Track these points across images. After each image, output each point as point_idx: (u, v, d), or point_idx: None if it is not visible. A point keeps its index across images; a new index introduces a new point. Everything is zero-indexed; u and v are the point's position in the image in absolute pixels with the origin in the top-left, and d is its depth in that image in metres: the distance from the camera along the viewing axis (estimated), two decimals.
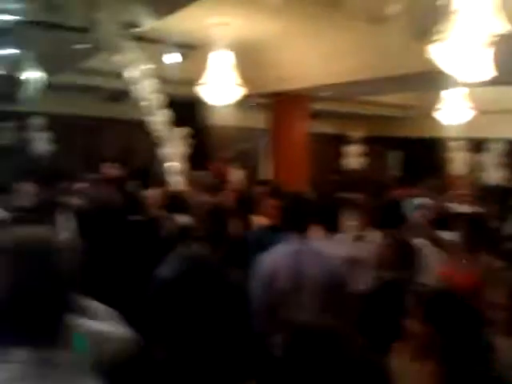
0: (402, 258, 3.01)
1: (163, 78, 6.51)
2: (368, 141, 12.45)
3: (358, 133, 12.34)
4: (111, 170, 6.38)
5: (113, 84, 8.77)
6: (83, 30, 5.38)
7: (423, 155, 12.36)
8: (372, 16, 5.81)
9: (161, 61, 7.12)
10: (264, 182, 5.97)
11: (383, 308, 2.74)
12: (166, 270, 2.57)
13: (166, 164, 5.90)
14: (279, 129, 9.43)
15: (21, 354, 1.16)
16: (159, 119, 5.85)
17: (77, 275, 1.23)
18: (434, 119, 9.90)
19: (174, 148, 6.05)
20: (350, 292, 3.01)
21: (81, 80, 8.86)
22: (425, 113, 10.63)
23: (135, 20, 5.41)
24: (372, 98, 11.13)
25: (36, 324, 1.16)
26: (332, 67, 7.71)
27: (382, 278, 3.15)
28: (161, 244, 3.90)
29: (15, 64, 4.94)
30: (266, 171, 10.61)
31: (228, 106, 7.62)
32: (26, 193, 4.36)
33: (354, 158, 12.15)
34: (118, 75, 6.27)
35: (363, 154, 12.27)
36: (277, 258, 2.92)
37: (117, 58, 5.72)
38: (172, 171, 5.77)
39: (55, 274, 1.17)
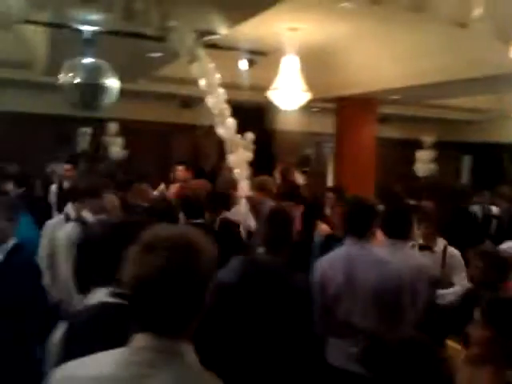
0: (497, 272, 2.94)
1: (233, 84, 6.66)
2: (440, 146, 12.08)
3: (429, 137, 11.98)
4: (181, 173, 6.59)
5: (184, 91, 9.10)
6: (159, 39, 5.59)
7: (498, 160, 11.82)
8: (452, 18, 5.64)
9: (231, 67, 7.27)
10: (334, 189, 5.97)
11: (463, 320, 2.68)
12: (229, 274, 2.63)
13: (234, 169, 6.02)
14: (345, 133, 9.35)
15: (145, 340, 1.23)
16: (228, 126, 5.97)
17: (212, 278, 1.29)
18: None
19: (240, 153, 6.16)
20: (413, 301, 2.95)
21: (154, 87, 9.25)
22: (504, 116, 10.17)
23: (210, 28, 5.56)
24: (445, 102, 10.80)
25: (166, 314, 1.22)
26: (403, 70, 7.56)
27: (470, 290, 3.10)
28: (222, 247, 3.97)
29: (95, 72, 5.22)
30: (333, 177, 10.55)
31: (295, 110, 7.66)
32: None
33: (424, 163, 11.78)
34: (190, 82, 6.47)
35: (434, 160, 11.88)
36: (331, 262, 2.94)
37: (191, 66, 5.90)
38: (238, 176, 5.89)
39: (195, 272, 1.23)
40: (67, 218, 3.73)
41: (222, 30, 5.66)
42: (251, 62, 7.15)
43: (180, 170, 6.61)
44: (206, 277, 1.26)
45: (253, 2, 4.99)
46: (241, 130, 6.50)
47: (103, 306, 1.67)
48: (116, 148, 8.91)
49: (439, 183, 9.58)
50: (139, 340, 1.23)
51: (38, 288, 2.90)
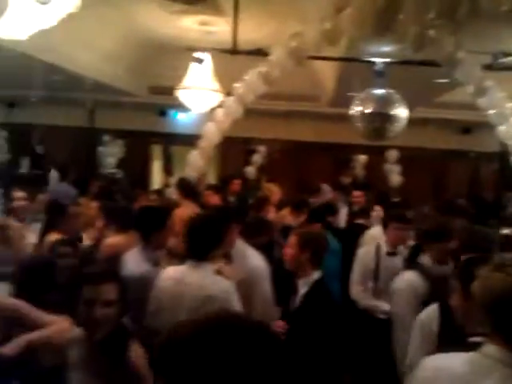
0: None
1: None
2: None
3: None
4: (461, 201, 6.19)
5: (464, 116, 8.67)
6: (447, 65, 5.45)
7: None
8: None
9: None
10: None
11: None
12: None
13: None
14: None
15: (492, 349, 1.43)
16: None
17: None
18: None
19: None
20: None
21: (433, 113, 9.04)
22: None
23: (507, 49, 5.18)
24: None
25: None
26: None
27: None
28: None
29: (385, 102, 5.37)
30: None
31: None
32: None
33: None
34: (471, 108, 6.12)
35: None
36: None
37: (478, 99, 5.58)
38: None
39: None
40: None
41: None
42: None
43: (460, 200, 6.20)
44: None
45: None
46: None
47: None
48: (395, 176, 8.93)
49: None
50: (487, 348, 1.44)
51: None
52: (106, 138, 10.16)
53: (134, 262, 3.06)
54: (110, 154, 9.88)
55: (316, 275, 2.83)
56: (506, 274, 1.43)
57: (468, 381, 1.42)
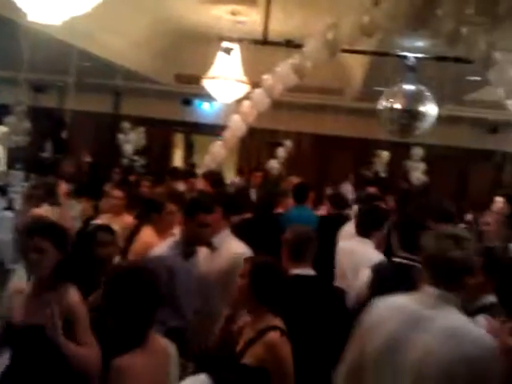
0: None
1: None
2: None
3: None
4: (501, 205, 6.07)
5: (493, 116, 8.54)
6: (481, 62, 5.35)
7: None
8: None
9: None
10: None
11: None
12: None
13: None
14: None
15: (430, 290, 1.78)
16: None
17: None
18: None
19: None
20: None
21: (460, 112, 8.90)
22: None
23: None
24: None
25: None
26: None
27: None
28: None
29: (415, 98, 5.28)
30: None
31: None
32: None
33: None
34: (499, 107, 5.99)
35: None
36: None
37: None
38: None
39: None
40: None
41: None
42: None
43: (500, 202, 6.08)
44: None
45: None
46: None
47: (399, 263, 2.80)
48: (418, 174, 8.77)
49: None
50: (426, 290, 1.81)
51: None
52: (126, 125, 10.04)
53: None
54: (130, 142, 9.82)
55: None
56: None
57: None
